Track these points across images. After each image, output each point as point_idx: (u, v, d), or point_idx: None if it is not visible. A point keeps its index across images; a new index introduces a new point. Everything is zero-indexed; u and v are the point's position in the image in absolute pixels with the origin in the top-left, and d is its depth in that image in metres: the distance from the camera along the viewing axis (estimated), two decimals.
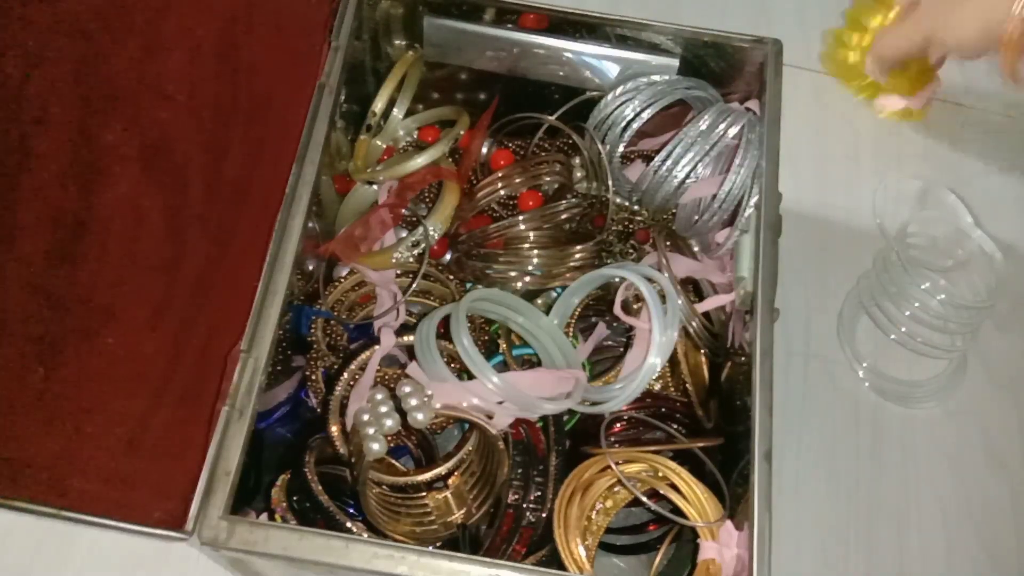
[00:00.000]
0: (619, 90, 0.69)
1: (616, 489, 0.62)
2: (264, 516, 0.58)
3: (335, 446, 0.62)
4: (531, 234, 0.67)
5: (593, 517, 0.61)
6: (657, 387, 0.68)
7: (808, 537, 0.76)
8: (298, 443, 0.63)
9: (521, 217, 0.67)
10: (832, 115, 0.95)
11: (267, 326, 0.57)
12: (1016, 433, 0.82)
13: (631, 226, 0.74)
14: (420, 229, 0.68)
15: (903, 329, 0.83)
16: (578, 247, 0.67)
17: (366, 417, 0.58)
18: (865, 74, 0.73)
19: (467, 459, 0.61)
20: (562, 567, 0.57)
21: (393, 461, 0.64)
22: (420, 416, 0.58)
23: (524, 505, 0.61)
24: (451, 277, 0.70)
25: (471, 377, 0.59)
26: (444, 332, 0.61)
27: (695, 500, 0.59)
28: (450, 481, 0.60)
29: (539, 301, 0.70)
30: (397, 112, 0.76)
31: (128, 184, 0.55)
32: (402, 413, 0.58)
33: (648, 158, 0.72)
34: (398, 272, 0.70)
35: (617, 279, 0.65)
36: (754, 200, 0.64)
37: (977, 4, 0.67)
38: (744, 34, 0.69)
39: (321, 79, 0.66)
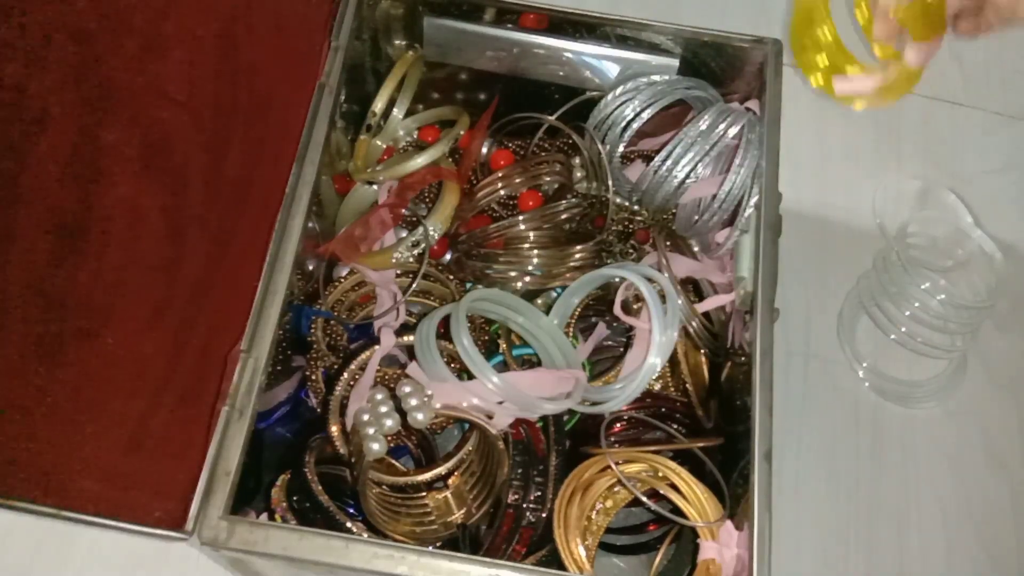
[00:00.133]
0: (619, 90, 0.69)
1: (616, 489, 0.62)
2: (264, 516, 0.58)
3: (335, 446, 0.62)
4: (531, 234, 0.67)
5: (593, 517, 0.61)
6: (657, 387, 0.68)
7: (808, 537, 0.76)
8: (298, 443, 0.63)
9: (521, 217, 0.67)
10: (832, 115, 0.95)
11: (267, 326, 0.57)
12: (1016, 433, 0.82)
13: (631, 226, 0.74)
14: (420, 229, 0.68)
15: (903, 329, 0.83)
16: (578, 247, 0.67)
17: (366, 417, 0.58)
18: (821, 63, 0.66)
19: (467, 459, 0.61)
20: (562, 567, 0.57)
21: (393, 461, 0.64)
22: (420, 416, 0.58)
23: (524, 505, 0.61)
24: (451, 277, 0.70)
25: (471, 377, 0.59)
26: (444, 332, 0.61)
27: (695, 500, 0.59)
28: (450, 481, 0.60)
29: (539, 301, 0.70)
30: (397, 112, 0.76)
31: (128, 184, 0.55)
32: (402, 413, 0.58)
33: (648, 158, 0.72)
34: (398, 272, 0.70)
35: (617, 279, 0.65)
36: (754, 200, 0.64)
37: None
38: (744, 34, 0.69)
39: (321, 79, 0.66)
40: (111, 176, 0.54)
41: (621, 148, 0.70)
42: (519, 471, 0.62)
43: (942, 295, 0.82)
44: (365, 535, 0.58)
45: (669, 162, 0.67)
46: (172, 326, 0.56)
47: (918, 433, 0.81)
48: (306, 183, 0.62)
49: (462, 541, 0.62)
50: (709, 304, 0.66)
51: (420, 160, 0.70)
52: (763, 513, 0.54)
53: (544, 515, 0.61)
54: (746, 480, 0.55)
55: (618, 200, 0.73)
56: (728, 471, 0.60)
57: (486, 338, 0.68)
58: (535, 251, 0.67)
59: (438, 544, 0.63)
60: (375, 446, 0.57)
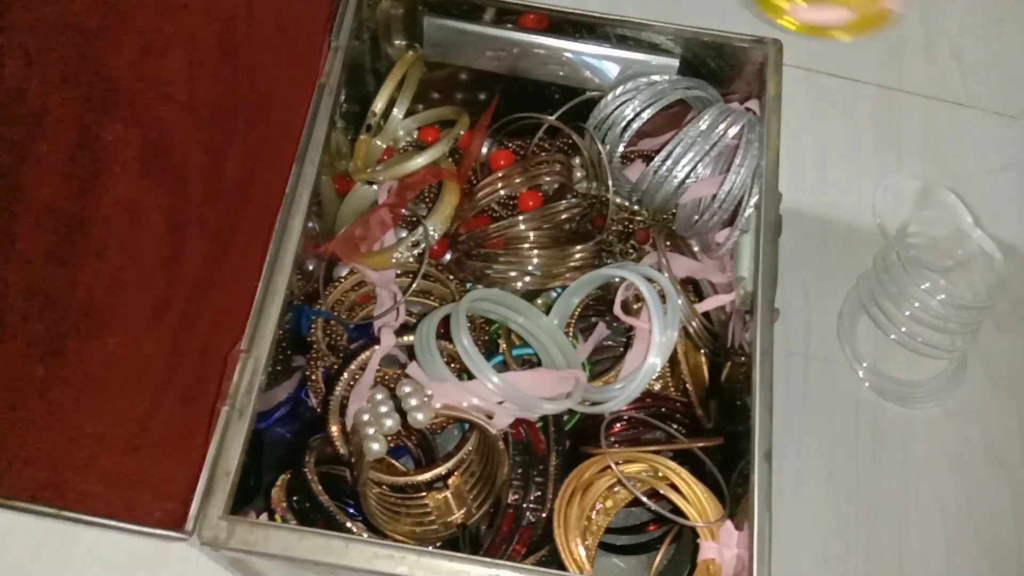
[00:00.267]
0: (619, 90, 0.70)
1: (616, 489, 0.62)
2: (264, 516, 0.58)
3: (335, 446, 0.62)
4: (531, 234, 0.67)
5: (593, 517, 0.61)
6: (657, 387, 0.68)
7: (808, 537, 0.76)
8: (298, 443, 0.63)
9: (521, 217, 0.67)
10: (832, 115, 0.95)
11: (267, 326, 0.57)
12: (1016, 433, 0.82)
13: (631, 226, 0.74)
14: (420, 229, 0.68)
15: (903, 329, 0.83)
16: (578, 247, 0.67)
17: (366, 417, 0.58)
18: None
19: (467, 459, 0.61)
20: (562, 567, 0.57)
21: (393, 461, 0.64)
22: (420, 416, 0.58)
23: (524, 505, 0.61)
24: (451, 277, 0.70)
25: (471, 377, 0.59)
26: (444, 332, 0.61)
27: (695, 500, 0.59)
28: (450, 481, 0.60)
29: (539, 301, 0.70)
30: (397, 112, 0.76)
31: (128, 184, 0.55)
32: (402, 413, 0.58)
33: (648, 158, 0.72)
34: (398, 272, 0.70)
35: (617, 279, 0.65)
36: (754, 200, 0.64)
37: None
38: (744, 34, 0.69)
39: (321, 79, 0.66)
40: (111, 176, 0.54)
41: (621, 148, 0.70)
42: (519, 471, 0.62)
43: (942, 295, 0.82)
44: (365, 535, 0.58)
45: (669, 162, 0.67)
46: (172, 326, 0.56)
47: (918, 433, 0.81)
48: (306, 183, 0.62)
49: (462, 541, 0.62)
50: (709, 304, 0.66)
51: (420, 160, 0.70)
52: (763, 513, 0.54)
53: (544, 515, 0.61)
54: (746, 480, 0.55)
55: (618, 200, 0.73)
56: (728, 471, 0.60)
57: (486, 338, 0.68)
58: (535, 251, 0.67)
59: (438, 544, 0.63)
60: (375, 446, 0.57)
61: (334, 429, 0.62)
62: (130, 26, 0.56)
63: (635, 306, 0.65)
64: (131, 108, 0.56)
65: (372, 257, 0.69)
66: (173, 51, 0.58)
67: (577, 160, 0.73)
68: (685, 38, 0.69)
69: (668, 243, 0.69)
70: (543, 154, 0.73)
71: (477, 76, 0.75)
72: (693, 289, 0.69)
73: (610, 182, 0.69)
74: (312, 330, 0.67)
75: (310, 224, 0.62)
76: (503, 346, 0.66)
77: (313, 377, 0.66)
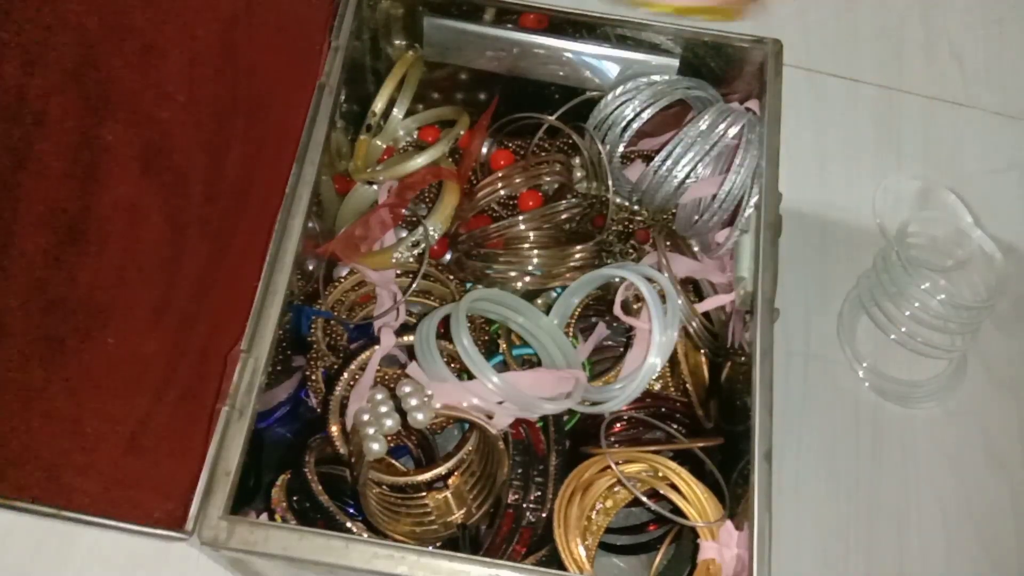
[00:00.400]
0: (619, 90, 0.69)
1: (616, 489, 0.62)
2: (264, 516, 0.58)
3: (335, 446, 0.62)
4: (531, 234, 0.67)
5: (593, 517, 0.61)
6: (657, 387, 0.68)
7: (808, 537, 0.76)
8: (298, 443, 0.63)
9: (521, 217, 0.67)
10: (832, 115, 0.95)
11: (267, 326, 0.57)
12: (1016, 433, 0.82)
13: (631, 226, 0.74)
14: (420, 229, 0.68)
15: (903, 329, 0.83)
16: (578, 247, 0.67)
17: (366, 417, 0.58)
18: None
19: (467, 459, 0.61)
20: (562, 567, 0.57)
21: (393, 461, 0.64)
22: (420, 416, 0.58)
23: (524, 505, 0.61)
24: (451, 277, 0.70)
25: (471, 377, 0.59)
26: (444, 332, 0.61)
27: (695, 500, 0.59)
28: (450, 481, 0.60)
29: (539, 301, 0.70)
30: (397, 112, 0.76)
31: (128, 184, 0.55)
32: (402, 413, 0.58)
33: (648, 158, 0.72)
34: (398, 272, 0.70)
35: (617, 279, 0.65)
36: (754, 200, 0.64)
37: None
38: (744, 34, 0.69)
39: (321, 79, 0.66)
40: (111, 176, 0.54)
41: (621, 148, 0.70)
42: (519, 471, 0.62)
43: (942, 295, 0.82)
44: (365, 535, 0.58)
45: (669, 162, 0.67)
46: (172, 326, 0.56)
47: (918, 433, 0.81)
48: (306, 183, 0.62)
49: (462, 541, 0.62)
50: (709, 304, 0.66)
51: (420, 160, 0.70)
52: (763, 513, 0.54)
53: (544, 515, 0.61)
54: (746, 480, 0.55)
55: (618, 200, 0.73)
56: (728, 471, 0.60)
57: (486, 338, 0.68)
58: (535, 251, 0.67)
59: (438, 544, 0.63)
60: (375, 446, 0.57)
61: (334, 429, 0.62)
62: (130, 26, 0.56)
63: (635, 306, 0.65)
64: (131, 108, 0.56)
65: (372, 257, 0.69)
66: (173, 51, 0.58)
67: (577, 160, 0.73)
68: (685, 38, 0.69)
69: (668, 243, 0.69)
70: (543, 154, 0.73)
71: (477, 76, 0.75)
72: (693, 289, 0.69)
73: (610, 182, 0.70)
74: (312, 330, 0.67)
75: (310, 224, 0.62)
76: (503, 346, 0.66)
77: (313, 377, 0.66)
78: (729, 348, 0.66)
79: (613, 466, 0.59)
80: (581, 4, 0.71)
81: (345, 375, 0.63)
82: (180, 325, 0.56)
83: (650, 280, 0.62)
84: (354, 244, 0.69)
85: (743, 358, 0.61)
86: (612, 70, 0.71)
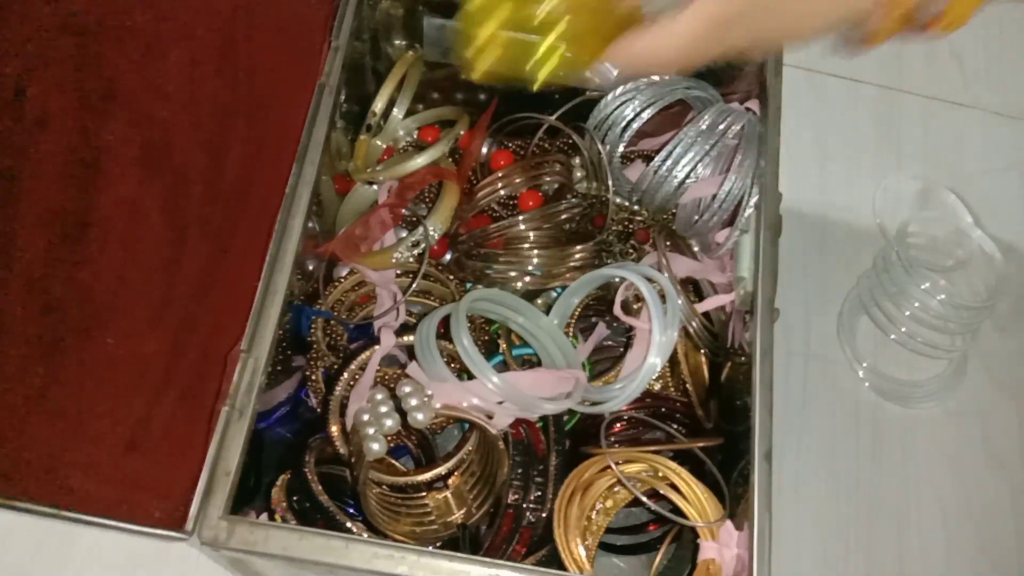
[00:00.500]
0: (619, 90, 0.69)
1: (616, 489, 0.62)
2: (264, 516, 0.58)
3: (335, 446, 0.61)
4: (531, 234, 0.67)
5: (593, 517, 0.61)
6: (657, 387, 0.68)
7: (808, 537, 0.76)
8: (298, 443, 0.63)
9: (521, 217, 0.67)
10: (832, 115, 0.95)
11: (267, 326, 0.57)
12: (1016, 433, 0.82)
13: (631, 226, 0.74)
14: (420, 229, 0.68)
15: (903, 329, 0.83)
16: (578, 247, 0.67)
17: (366, 417, 0.58)
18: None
19: (467, 459, 0.61)
20: (562, 567, 0.57)
21: (393, 461, 0.64)
22: (420, 416, 0.58)
23: (524, 505, 0.61)
24: (451, 277, 0.70)
25: (471, 377, 0.59)
26: (444, 332, 0.61)
27: (695, 500, 0.59)
28: (450, 481, 0.60)
29: (539, 301, 0.70)
30: (397, 112, 0.76)
31: (128, 184, 0.55)
32: (402, 413, 0.58)
33: (648, 158, 0.71)
34: (398, 272, 0.70)
35: (617, 279, 0.65)
36: (754, 200, 0.64)
37: None
38: None
39: (321, 79, 0.66)
40: (111, 176, 0.54)
41: (621, 148, 0.70)
42: (519, 471, 0.62)
43: (942, 295, 0.82)
44: (365, 535, 0.58)
45: (669, 162, 0.67)
46: (172, 326, 0.56)
47: (918, 433, 0.81)
48: (306, 183, 0.62)
49: (462, 541, 0.62)
50: (709, 304, 0.66)
51: (420, 160, 0.70)
52: (763, 513, 0.54)
53: (544, 515, 0.61)
54: (746, 480, 0.55)
55: (618, 200, 0.73)
56: (728, 471, 0.60)
57: (486, 338, 0.68)
58: (535, 251, 0.67)
59: (438, 544, 0.63)
60: (375, 446, 0.57)
61: (334, 429, 0.62)
62: (130, 26, 0.56)
63: (635, 306, 0.65)
64: (131, 108, 0.56)
65: (372, 257, 0.69)
66: (173, 51, 0.58)
67: (577, 160, 0.73)
68: None
69: (668, 243, 0.68)
70: (543, 154, 0.73)
71: None
72: (693, 289, 0.69)
73: (610, 182, 0.69)
74: (312, 330, 0.67)
75: (310, 224, 0.62)
76: (503, 346, 0.66)
77: (313, 377, 0.66)
78: (729, 348, 0.65)
79: (613, 466, 0.59)
80: None
81: (345, 375, 0.63)
82: (180, 325, 0.56)
83: (650, 280, 0.62)
84: (354, 244, 0.69)
85: (743, 358, 0.61)
86: (612, 70, 0.71)
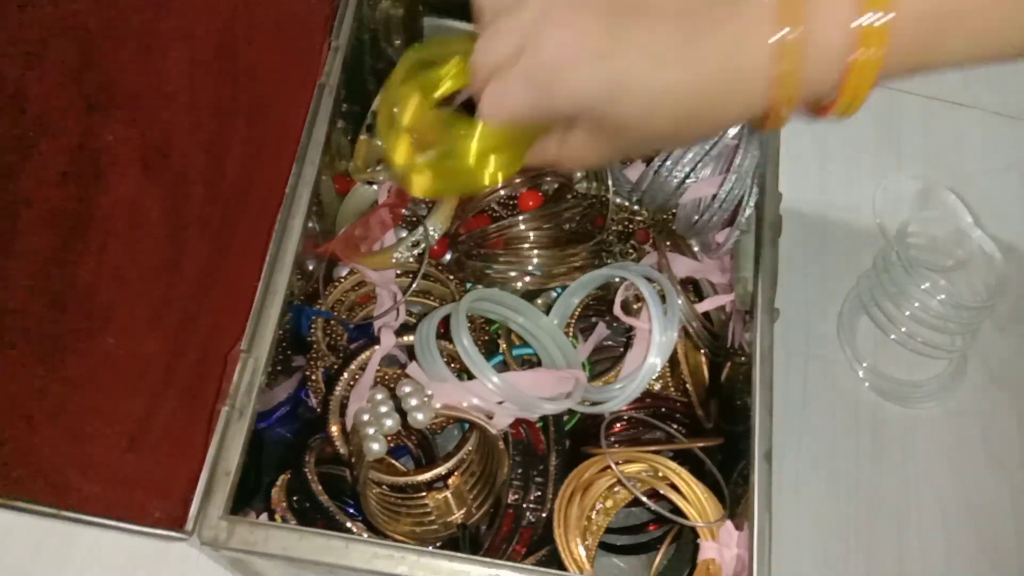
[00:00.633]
0: None
1: (616, 489, 0.62)
2: (264, 516, 0.58)
3: (335, 446, 0.62)
4: (531, 234, 0.67)
5: (593, 517, 0.61)
6: (657, 387, 0.68)
7: (808, 537, 0.76)
8: (298, 443, 0.63)
9: (521, 217, 0.67)
10: None
11: (267, 326, 0.57)
12: (1016, 433, 0.82)
13: (631, 226, 0.74)
14: (420, 229, 0.68)
15: (903, 329, 0.83)
16: (578, 247, 0.67)
17: (366, 417, 0.58)
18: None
19: (467, 459, 0.61)
20: (562, 567, 0.57)
21: (393, 461, 0.64)
22: (420, 416, 0.58)
23: (524, 505, 0.61)
24: (451, 277, 0.70)
25: (471, 377, 0.59)
26: (444, 332, 0.61)
27: (695, 500, 0.59)
28: (450, 481, 0.60)
29: (539, 301, 0.70)
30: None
31: (128, 184, 0.55)
32: (402, 413, 0.58)
33: (648, 158, 0.71)
34: (398, 272, 0.70)
35: (617, 279, 0.65)
36: (754, 200, 0.64)
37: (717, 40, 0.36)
38: None
39: (321, 79, 0.66)
40: (111, 176, 0.54)
41: None
42: (519, 471, 0.62)
43: (942, 295, 0.82)
44: (365, 535, 0.58)
45: (669, 162, 0.67)
46: (172, 326, 0.56)
47: (918, 433, 0.81)
48: (306, 183, 0.62)
49: (462, 541, 0.62)
50: (709, 304, 0.66)
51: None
52: (763, 513, 0.54)
53: (544, 515, 0.61)
54: (746, 480, 0.55)
55: (618, 200, 0.73)
56: (728, 471, 0.60)
57: (486, 338, 0.68)
58: (535, 251, 0.67)
59: (438, 544, 0.63)
60: (375, 446, 0.57)
61: (334, 429, 0.62)
62: (130, 26, 0.56)
63: (635, 306, 0.65)
64: (131, 108, 0.56)
65: (372, 257, 0.69)
66: (173, 51, 0.58)
67: None
68: None
69: (668, 243, 0.69)
70: None
71: None
72: (693, 289, 0.69)
73: (610, 182, 0.69)
74: (312, 330, 0.67)
75: (310, 224, 0.62)
76: (503, 346, 0.66)
77: (313, 377, 0.66)
78: (729, 348, 0.66)
79: (613, 466, 0.59)
80: None
81: (345, 375, 0.63)
82: (180, 325, 0.56)
83: (650, 280, 0.62)
84: (354, 244, 0.69)
85: (743, 358, 0.61)
86: None
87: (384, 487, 0.61)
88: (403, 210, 0.71)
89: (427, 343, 0.60)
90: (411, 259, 0.69)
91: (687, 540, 0.65)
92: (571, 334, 0.67)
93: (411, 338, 0.62)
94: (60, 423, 0.51)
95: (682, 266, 0.67)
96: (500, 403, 0.60)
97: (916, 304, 0.82)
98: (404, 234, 0.70)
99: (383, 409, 0.58)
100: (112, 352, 0.53)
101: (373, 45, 0.74)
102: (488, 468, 0.63)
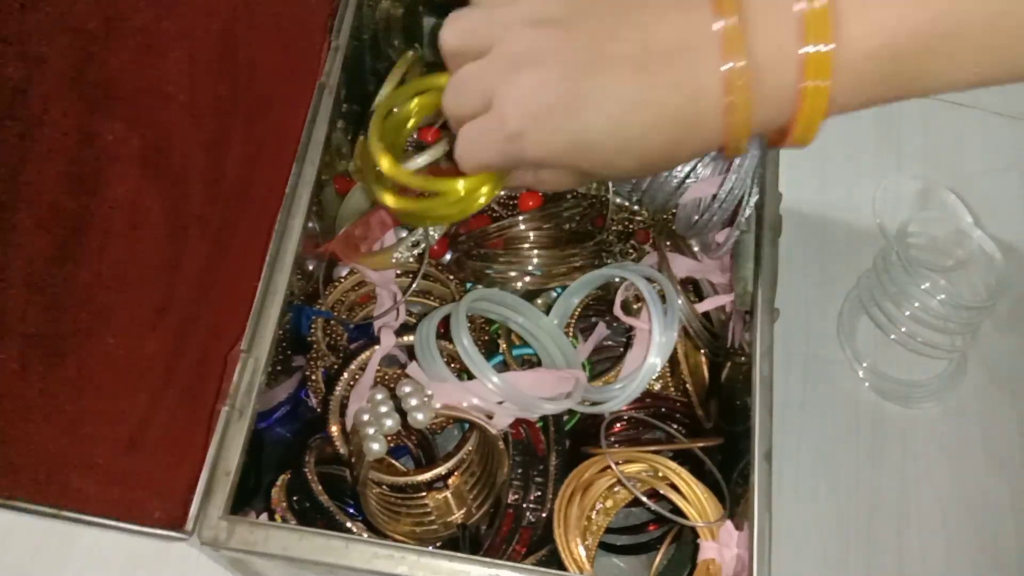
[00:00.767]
0: None
1: (616, 489, 0.62)
2: (264, 516, 0.58)
3: (335, 446, 0.62)
4: (531, 234, 0.67)
5: (593, 517, 0.61)
6: (657, 387, 0.68)
7: (808, 537, 0.76)
8: (298, 443, 0.63)
9: (521, 217, 0.67)
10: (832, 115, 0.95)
11: (267, 326, 0.57)
12: (1016, 433, 0.82)
13: (631, 226, 0.74)
14: (420, 229, 0.68)
15: (903, 329, 0.83)
16: (578, 247, 0.67)
17: (366, 417, 0.58)
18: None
19: (467, 459, 0.61)
20: (562, 567, 0.57)
21: (393, 461, 0.64)
22: (420, 416, 0.58)
23: (524, 505, 0.61)
24: (451, 277, 0.70)
25: (471, 377, 0.59)
26: (444, 332, 0.61)
27: (695, 500, 0.59)
28: (450, 481, 0.60)
29: (539, 301, 0.70)
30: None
31: (128, 184, 0.55)
32: (402, 413, 0.58)
33: None
34: (398, 272, 0.70)
35: (617, 279, 0.65)
36: (754, 200, 0.64)
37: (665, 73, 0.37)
38: None
39: (321, 79, 0.66)
40: (111, 176, 0.54)
41: None
42: (519, 471, 0.62)
43: (942, 295, 0.82)
44: (365, 535, 0.58)
45: None
46: (172, 326, 0.56)
47: (918, 433, 0.81)
48: (306, 183, 0.62)
49: (462, 541, 0.62)
50: (709, 304, 0.66)
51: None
52: (763, 513, 0.54)
53: (544, 515, 0.61)
54: (746, 480, 0.55)
55: (618, 200, 0.73)
56: (728, 471, 0.60)
57: (486, 338, 0.68)
58: (535, 251, 0.67)
59: (438, 544, 0.63)
60: (375, 446, 0.57)
61: (334, 429, 0.62)
62: (130, 26, 0.56)
63: (635, 306, 0.65)
64: (131, 108, 0.56)
65: (372, 257, 0.69)
66: (173, 51, 0.58)
67: None
68: None
69: (668, 243, 0.69)
70: None
71: None
72: (693, 289, 0.69)
73: (610, 182, 0.69)
74: (312, 330, 0.67)
75: (310, 224, 0.62)
76: (503, 346, 0.66)
77: (313, 377, 0.66)
78: (729, 348, 0.66)
79: (613, 466, 0.59)
80: None
81: (345, 375, 0.63)
82: (180, 325, 0.56)
83: (650, 280, 0.62)
84: (354, 244, 0.69)
85: (743, 358, 0.61)
86: None
87: (384, 487, 0.61)
88: None
89: (427, 343, 0.60)
90: (411, 259, 0.69)
91: (687, 540, 0.65)
92: (571, 334, 0.67)
93: (411, 338, 0.62)
94: (60, 423, 0.51)
95: (682, 266, 0.67)
96: (500, 403, 0.60)
97: (916, 304, 0.82)
98: (404, 234, 0.70)
99: (383, 409, 0.58)
100: (112, 352, 0.53)
101: (373, 45, 0.74)
102: (488, 468, 0.63)
